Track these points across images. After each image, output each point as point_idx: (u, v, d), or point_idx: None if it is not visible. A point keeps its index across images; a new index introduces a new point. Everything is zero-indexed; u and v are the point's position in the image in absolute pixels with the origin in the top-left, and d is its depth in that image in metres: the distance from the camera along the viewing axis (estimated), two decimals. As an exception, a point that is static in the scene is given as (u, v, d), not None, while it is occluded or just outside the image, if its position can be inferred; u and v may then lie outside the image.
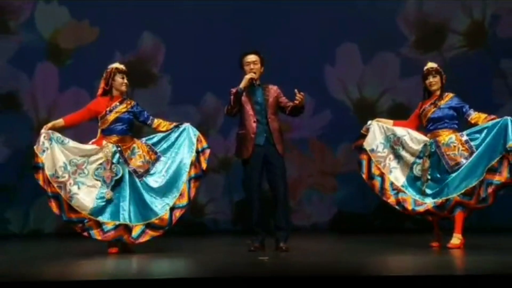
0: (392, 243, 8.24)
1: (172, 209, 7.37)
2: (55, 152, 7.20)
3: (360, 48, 10.35)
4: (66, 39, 10.36)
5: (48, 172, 7.16)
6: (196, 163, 7.41)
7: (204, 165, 7.44)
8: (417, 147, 7.54)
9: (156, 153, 7.45)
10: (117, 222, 7.26)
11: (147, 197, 7.35)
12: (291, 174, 9.31)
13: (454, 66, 9.82)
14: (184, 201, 7.39)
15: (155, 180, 7.42)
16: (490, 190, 7.21)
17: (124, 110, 7.45)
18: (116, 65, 7.58)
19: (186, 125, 7.54)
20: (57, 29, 10.40)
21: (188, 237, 9.29)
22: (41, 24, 10.40)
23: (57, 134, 7.28)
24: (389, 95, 10.34)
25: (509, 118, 7.26)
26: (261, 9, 10.25)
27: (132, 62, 9.79)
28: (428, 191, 7.43)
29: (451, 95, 7.64)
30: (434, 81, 7.63)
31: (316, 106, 10.15)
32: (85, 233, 7.28)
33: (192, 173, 7.40)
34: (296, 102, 7.41)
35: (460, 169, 7.33)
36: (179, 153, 7.44)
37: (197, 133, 7.49)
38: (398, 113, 9.51)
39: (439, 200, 7.37)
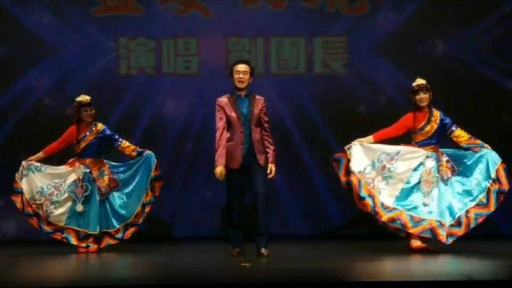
0: (371, 248, 8.29)
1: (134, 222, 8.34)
2: (34, 179, 8.24)
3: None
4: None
5: (27, 195, 8.22)
6: (149, 190, 8.30)
7: (157, 193, 8.35)
8: (416, 159, 7.63)
9: (117, 182, 8.39)
10: (90, 232, 8.23)
11: (116, 206, 8.32)
12: (270, 181, 9.31)
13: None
14: (139, 221, 8.34)
15: (116, 200, 8.40)
16: (480, 220, 7.52)
17: (92, 138, 8.35)
18: (80, 98, 8.38)
19: (149, 153, 8.34)
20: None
21: (167, 243, 9.29)
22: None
23: (36, 164, 8.30)
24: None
25: (489, 150, 7.59)
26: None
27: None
28: (431, 201, 7.53)
29: (438, 112, 7.79)
30: (425, 97, 7.74)
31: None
32: (64, 239, 8.31)
33: (146, 199, 8.31)
34: (270, 174, 7.57)
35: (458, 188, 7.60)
36: (137, 181, 8.34)
37: (155, 162, 8.30)
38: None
39: (448, 221, 7.50)
